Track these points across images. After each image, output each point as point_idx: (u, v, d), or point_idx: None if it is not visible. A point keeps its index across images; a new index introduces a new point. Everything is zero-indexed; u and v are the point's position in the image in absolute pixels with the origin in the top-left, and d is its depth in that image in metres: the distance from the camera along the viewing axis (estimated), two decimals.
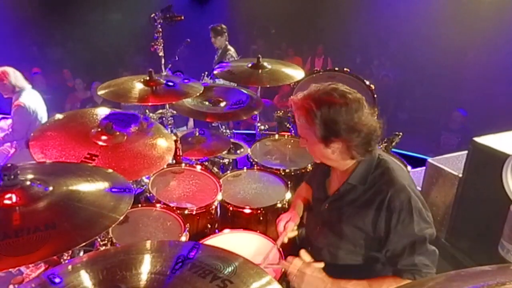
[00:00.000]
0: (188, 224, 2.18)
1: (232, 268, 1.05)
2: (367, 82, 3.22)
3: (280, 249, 1.96)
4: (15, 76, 4.20)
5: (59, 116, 2.30)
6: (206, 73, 4.73)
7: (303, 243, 2.07)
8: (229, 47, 5.68)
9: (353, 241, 1.74)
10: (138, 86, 2.60)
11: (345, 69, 3.36)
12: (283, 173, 2.77)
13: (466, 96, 7.53)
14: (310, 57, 9.18)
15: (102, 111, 2.37)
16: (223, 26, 5.70)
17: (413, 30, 8.22)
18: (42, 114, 4.36)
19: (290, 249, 2.06)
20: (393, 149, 3.00)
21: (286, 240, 1.93)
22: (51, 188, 1.36)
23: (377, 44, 9.63)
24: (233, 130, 4.88)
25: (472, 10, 7.72)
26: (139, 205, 2.34)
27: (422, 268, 1.61)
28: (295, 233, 2.00)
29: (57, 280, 1.03)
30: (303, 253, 1.73)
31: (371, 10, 9.10)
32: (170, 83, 2.71)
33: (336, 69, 3.37)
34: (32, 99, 4.27)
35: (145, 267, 1.06)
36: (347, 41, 9.48)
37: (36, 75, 7.79)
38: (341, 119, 1.58)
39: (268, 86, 3.38)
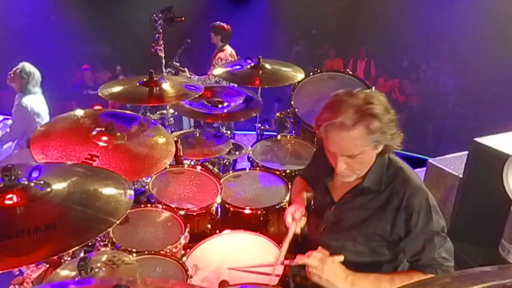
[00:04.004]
0: (188, 224, 2.19)
1: None
2: (369, 84, 3.22)
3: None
4: (34, 81, 4.22)
5: (79, 111, 2.30)
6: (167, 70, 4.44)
7: (306, 243, 2.06)
8: (225, 47, 5.65)
9: (361, 243, 1.73)
10: (139, 87, 2.61)
11: (346, 70, 3.36)
12: (283, 174, 2.77)
13: None
14: (352, 59, 8.83)
15: (103, 112, 2.37)
16: (224, 25, 5.68)
17: (467, 31, 7.57)
18: (44, 117, 4.37)
19: (292, 248, 2.06)
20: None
21: (298, 230, 1.89)
22: (51, 189, 1.36)
23: (427, 46, 8.87)
24: (234, 131, 4.88)
25: None
26: (140, 206, 2.34)
27: (443, 262, 1.64)
28: (304, 221, 1.93)
29: None
30: (321, 248, 1.70)
31: (422, 9, 8.45)
32: (192, 87, 2.76)
33: (355, 71, 3.36)
34: (35, 102, 4.28)
35: None
36: (393, 42, 8.82)
37: (85, 71, 8.23)
38: (385, 119, 1.57)
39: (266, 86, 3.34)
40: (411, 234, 1.63)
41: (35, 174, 1.41)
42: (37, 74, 4.25)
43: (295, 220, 1.89)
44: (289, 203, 2.42)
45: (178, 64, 4.99)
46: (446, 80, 8.26)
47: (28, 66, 4.22)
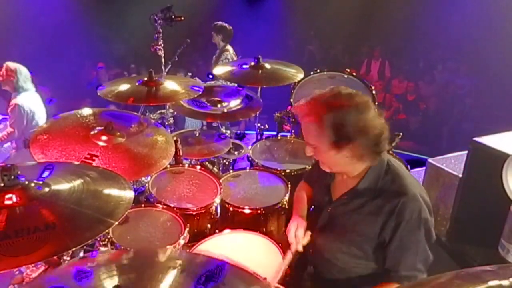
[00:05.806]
0: (188, 224, 2.18)
1: None
2: (368, 83, 3.21)
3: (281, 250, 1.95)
4: (23, 77, 4.20)
5: (87, 110, 2.30)
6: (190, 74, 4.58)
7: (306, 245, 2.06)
8: (227, 47, 5.64)
9: (356, 246, 1.72)
10: (138, 86, 2.61)
11: (346, 69, 3.36)
12: (283, 173, 2.77)
13: None
14: (366, 59, 8.72)
15: (103, 112, 2.37)
16: (227, 26, 5.68)
17: (487, 30, 7.29)
18: (40, 116, 4.35)
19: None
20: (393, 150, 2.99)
21: (300, 248, 1.84)
22: (50, 189, 1.36)
23: (444, 46, 8.62)
24: (244, 131, 4.87)
25: None
26: (140, 205, 2.33)
27: (418, 274, 1.65)
28: (308, 238, 1.87)
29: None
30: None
31: (438, 8, 8.19)
32: (196, 88, 2.76)
33: (352, 71, 3.35)
34: (30, 101, 4.26)
35: (167, 280, 1.06)
36: (409, 43, 8.58)
37: (100, 69, 8.34)
38: (350, 122, 1.54)
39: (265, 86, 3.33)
40: (394, 241, 1.63)
41: (45, 174, 1.41)
42: (24, 69, 4.21)
43: (298, 238, 1.85)
44: (289, 203, 2.43)
45: (191, 75, 5.00)
46: (462, 81, 8.06)
47: (11, 64, 4.18)
